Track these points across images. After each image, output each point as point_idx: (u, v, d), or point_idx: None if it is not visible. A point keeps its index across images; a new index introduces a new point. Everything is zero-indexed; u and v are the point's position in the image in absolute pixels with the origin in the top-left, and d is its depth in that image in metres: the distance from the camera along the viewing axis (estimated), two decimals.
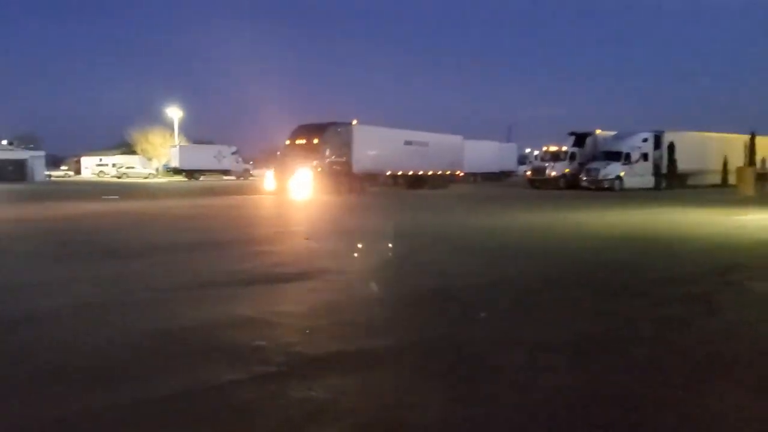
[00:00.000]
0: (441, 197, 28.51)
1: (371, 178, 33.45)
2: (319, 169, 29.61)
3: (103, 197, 27.32)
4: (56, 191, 35.02)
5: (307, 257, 10.01)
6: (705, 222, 15.80)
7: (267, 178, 31.94)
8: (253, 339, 5.00)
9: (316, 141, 30.92)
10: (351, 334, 5.27)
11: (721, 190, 33.48)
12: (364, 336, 5.22)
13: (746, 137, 40.81)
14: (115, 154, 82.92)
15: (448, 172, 39.44)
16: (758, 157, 39.97)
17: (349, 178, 30.97)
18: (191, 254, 9.90)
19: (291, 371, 4.28)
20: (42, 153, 62.97)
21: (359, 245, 11.17)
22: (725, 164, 39.14)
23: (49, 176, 63.25)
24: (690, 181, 37.06)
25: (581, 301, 6.61)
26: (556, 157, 39.49)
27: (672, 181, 36.16)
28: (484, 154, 50.91)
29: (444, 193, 32.07)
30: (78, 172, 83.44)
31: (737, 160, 38.17)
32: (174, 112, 74.90)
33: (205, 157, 65.44)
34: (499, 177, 53.33)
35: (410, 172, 36.63)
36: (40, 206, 21.67)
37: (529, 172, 41.49)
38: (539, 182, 38.00)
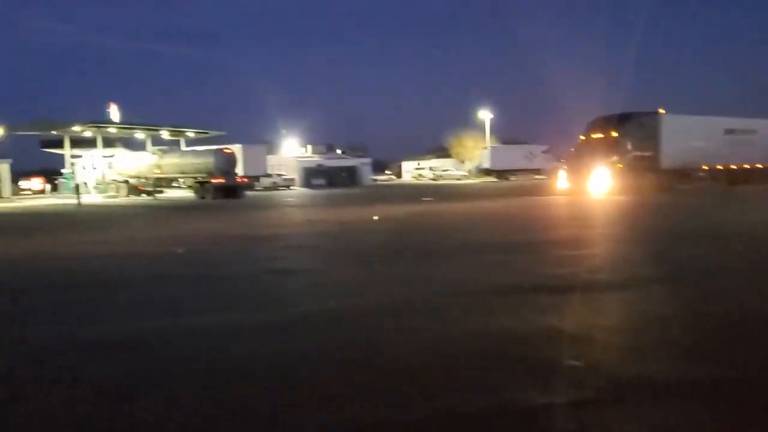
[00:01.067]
0: None
1: (682, 174, 29.23)
2: (620, 166, 26.84)
3: (422, 199, 29.03)
4: (380, 194, 38.41)
5: (621, 263, 9.19)
6: None
7: (559, 177, 29.80)
8: (565, 356, 4.57)
9: (615, 134, 28.02)
10: (678, 358, 4.52)
11: None
12: (694, 360, 4.43)
13: None
14: (431, 158, 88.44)
15: None
16: None
17: (655, 174, 27.50)
18: (500, 256, 9.78)
19: (610, 399, 3.76)
20: (369, 159, 69.97)
21: (683, 251, 9.94)
22: None
23: (375, 180, 69.88)
24: None
25: None
26: None
27: None
28: None
29: None
30: (399, 175, 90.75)
31: None
32: (485, 115, 77.27)
33: (515, 157, 66.23)
34: None
35: (732, 166, 31.58)
36: (366, 208, 23.78)
37: None
38: None
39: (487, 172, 65.77)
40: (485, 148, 71.34)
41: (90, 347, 5.29)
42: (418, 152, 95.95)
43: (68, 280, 8.95)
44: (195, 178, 39.47)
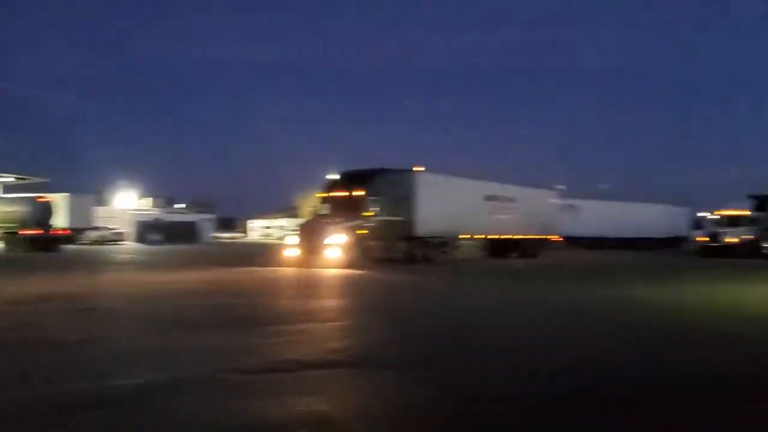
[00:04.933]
0: (538, 267, 24.24)
1: (439, 243, 25.78)
2: (365, 232, 22.52)
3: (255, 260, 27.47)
4: (210, 253, 36.75)
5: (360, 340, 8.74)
6: None
7: (289, 243, 24.01)
8: None
9: (359, 193, 23.32)
10: None
11: None
12: None
13: None
14: (281, 217, 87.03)
15: (543, 237, 31.95)
16: None
17: (408, 242, 24.14)
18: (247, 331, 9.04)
19: None
20: (211, 216, 67.40)
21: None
22: None
23: (216, 238, 66.87)
24: None
25: None
26: (734, 222, 35.48)
27: None
28: (637, 217, 45.42)
29: (541, 263, 27.02)
30: (246, 233, 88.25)
31: None
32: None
33: None
34: (661, 244, 46.36)
35: (493, 236, 28.81)
36: (181, 271, 22.16)
37: (700, 239, 37.33)
38: (713, 250, 34.07)
39: None
40: None
41: None
42: (269, 210, 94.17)
43: None
44: (4, 228, 35.75)
